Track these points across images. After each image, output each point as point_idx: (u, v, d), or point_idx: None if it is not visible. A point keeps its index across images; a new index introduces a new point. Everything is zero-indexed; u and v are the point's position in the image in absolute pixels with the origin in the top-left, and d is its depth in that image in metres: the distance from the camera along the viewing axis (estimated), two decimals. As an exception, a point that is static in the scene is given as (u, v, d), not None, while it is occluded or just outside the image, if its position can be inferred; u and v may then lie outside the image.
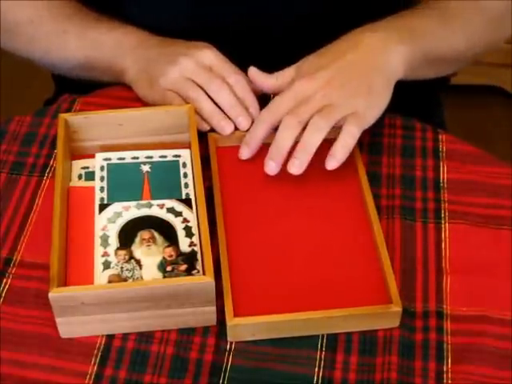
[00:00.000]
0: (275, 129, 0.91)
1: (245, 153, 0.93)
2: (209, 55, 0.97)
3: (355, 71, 0.91)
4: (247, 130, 0.95)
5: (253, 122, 0.96)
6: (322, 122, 0.87)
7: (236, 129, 0.96)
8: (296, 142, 0.88)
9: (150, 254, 0.84)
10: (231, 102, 0.96)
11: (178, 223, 0.87)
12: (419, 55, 0.96)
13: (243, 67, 0.98)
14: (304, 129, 0.88)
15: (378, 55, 0.93)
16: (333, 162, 0.88)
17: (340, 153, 0.88)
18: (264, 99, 1.00)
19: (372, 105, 0.90)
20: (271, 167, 0.90)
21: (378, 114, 0.91)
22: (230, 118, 0.96)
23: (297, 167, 0.88)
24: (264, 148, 0.96)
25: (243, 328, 0.80)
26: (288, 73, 0.94)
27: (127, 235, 0.86)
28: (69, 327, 0.80)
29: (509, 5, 1.04)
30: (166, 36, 1.01)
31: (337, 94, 0.89)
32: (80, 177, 0.92)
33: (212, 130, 0.96)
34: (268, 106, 0.92)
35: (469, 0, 1.02)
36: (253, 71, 0.95)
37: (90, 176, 0.92)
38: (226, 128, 0.95)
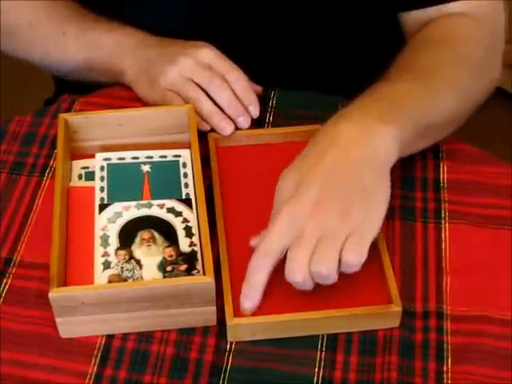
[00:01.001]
0: None
1: (248, 306, 0.80)
2: (208, 54, 0.97)
3: (341, 176, 0.79)
4: (247, 129, 0.95)
5: (252, 123, 0.96)
6: (325, 271, 0.77)
7: (236, 129, 0.96)
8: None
9: (150, 254, 0.84)
10: (231, 102, 0.96)
11: (178, 223, 0.87)
12: (409, 129, 0.84)
13: (243, 67, 0.98)
14: None
15: (361, 146, 0.81)
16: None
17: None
18: (263, 98, 1.00)
19: (373, 213, 0.79)
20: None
21: (381, 216, 0.79)
22: (230, 118, 0.96)
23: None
24: (263, 148, 0.96)
25: (243, 328, 0.80)
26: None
27: (127, 235, 0.86)
28: (69, 327, 0.80)
29: (488, 49, 0.98)
30: (165, 36, 1.01)
31: (332, 216, 0.77)
32: (80, 177, 0.92)
33: (212, 129, 0.96)
34: (260, 247, 0.79)
35: (447, 53, 0.94)
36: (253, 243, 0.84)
37: (90, 176, 0.92)
38: (226, 128, 0.95)
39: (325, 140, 0.82)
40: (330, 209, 0.78)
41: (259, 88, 1.00)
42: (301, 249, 0.77)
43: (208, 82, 0.96)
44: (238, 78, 0.96)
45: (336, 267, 0.77)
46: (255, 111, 0.97)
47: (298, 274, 0.77)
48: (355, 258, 0.77)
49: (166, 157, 0.93)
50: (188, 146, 0.93)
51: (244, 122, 0.96)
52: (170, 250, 0.84)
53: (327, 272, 0.76)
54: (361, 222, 0.77)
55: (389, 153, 0.82)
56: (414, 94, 0.88)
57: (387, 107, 0.85)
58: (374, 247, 0.85)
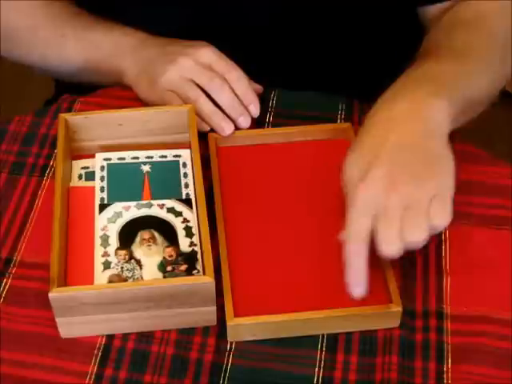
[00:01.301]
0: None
1: (359, 292, 0.80)
2: (208, 54, 0.97)
3: (408, 151, 0.81)
4: (247, 129, 0.96)
5: (253, 123, 0.96)
6: (420, 239, 0.78)
7: (236, 129, 0.96)
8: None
9: (150, 254, 0.84)
10: (232, 102, 0.96)
11: (178, 223, 0.87)
12: (457, 103, 0.87)
13: (243, 67, 0.98)
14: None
15: (418, 121, 0.83)
16: None
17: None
18: (263, 98, 1.00)
19: (446, 174, 0.81)
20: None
21: (454, 179, 0.81)
22: (229, 118, 0.96)
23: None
24: (263, 148, 0.96)
25: (243, 328, 0.80)
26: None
27: (127, 235, 0.86)
28: (69, 327, 0.80)
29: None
30: (167, 36, 1.01)
31: (410, 186, 0.79)
32: (80, 177, 0.92)
33: (212, 130, 0.96)
34: (350, 235, 0.79)
35: (480, 34, 0.96)
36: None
37: (90, 176, 0.92)
38: (225, 129, 0.95)
39: (382, 121, 0.84)
40: (404, 181, 0.79)
41: (260, 87, 1.00)
42: (389, 222, 0.78)
43: (208, 82, 0.96)
44: (238, 77, 0.96)
45: (428, 232, 0.78)
46: (255, 111, 0.97)
47: (392, 247, 0.78)
48: (444, 220, 0.78)
49: (166, 157, 0.93)
50: (188, 145, 0.93)
51: (244, 121, 0.96)
52: (170, 250, 0.84)
53: (422, 239, 0.78)
54: (437, 186, 0.79)
55: (443, 124, 0.84)
56: (453, 73, 0.90)
57: (436, 85, 0.86)
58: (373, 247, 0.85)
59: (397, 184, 0.79)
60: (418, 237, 0.78)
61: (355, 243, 0.79)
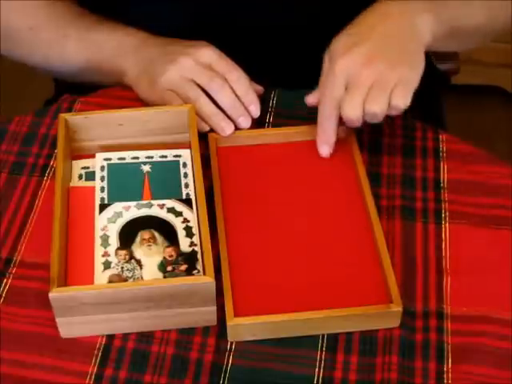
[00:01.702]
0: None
1: (326, 151, 0.94)
2: (209, 54, 0.97)
3: (390, 41, 0.92)
4: (247, 129, 0.96)
5: (253, 123, 0.96)
6: (378, 111, 0.89)
7: (236, 129, 0.96)
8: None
9: (150, 254, 0.84)
10: (232, 102, 0.96)
11: (178, 223, 0.86)
12: (443, 24, 0.96)
13: (244, 66, 0.98)
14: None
15: (406, 23, 0.94)
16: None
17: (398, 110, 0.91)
18: (263, 99, 1.00)
19: (415, 71, 0.91)
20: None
21: (419, 79, 0.91)
22: (229, 118, 0.96)
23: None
24: (263, 148, 0.96)
25: (243, 328, 0.80)
26: (325, 67, 0.94)
27: (127, 235, 0.86)
28: (69, 327, 0.80)
29: None
30: (169, 35, 1.01)
31: (382, 67, 0.90)
32: (80, 177, 0.92)
33: (212, 130, 0.96)
34: (323, 100, 0.91)
35: None
36: (309, 100, 0.96)
37: (91, 176, 0.92)
38: (225, 129, 0.95)
39: (375, 16, 0.95)
40: (380, 61, 0.90)
41: (260, 88, 1.00)
42: (357, 91, 0.89)
43: (208, 82, 0.96)
44: (238, 77, 0.96)
45: (386, 108, 0.89)
46: (256, 111, 0.97)
47: (354, 112, 0.89)
48: (403, 102, 0.89)
49: (166, 157, 0.93)
50: (188, 145, 0.93)
51: (244, 122, 0.96)
52: (170, 250, 0.84)
53: (380, 111, 0.89)
54: (406, 74, 0.90)
55: (425, 35, 0.95)
56: (452, 1, 0.99)
57: (430, 4, 0.96)
58: (373, 247, 0.85)
59: (372, 62, 0.90)
60: (376, 109, 0.88)
61: (329, 107, 0.91)
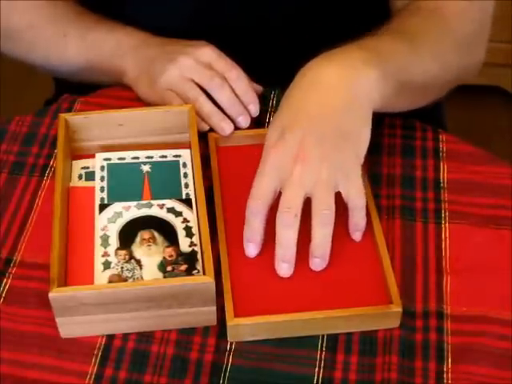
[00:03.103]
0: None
1: (252, 251, 0.85)
2: (208, 53, 0.97)
3: (324, 123, 0.83)
4: (247, 128, 0.96)
5: (252, 122, 0.96)
6: (324, 215, 0.81)
7: (236, 128, 0.96)
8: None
9: (150, 254, 0.84)
10: (231, 101, 0.96)
11: (178, 223, 0.87)
12: (391, 80, 0.87)
13: (244, 66, 0.98)
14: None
15: (343, 89, 0.84)
16: (358, 235, 0.86)
17: (360, 225, 0.85)
18: (263, 98, 1.00)
19: (355, 152, 0.83)
20: (285, 269, 0.83)
21: (362, 157, 0.84)
22: (229, 117, 0.96)
23: (320, 264, 0.83)
24: (262, 149, 0.96)
25: (243, 328, 0.80)
26: None
27: (127, 235, 0.86)
28: (69, 327, 0.80)
29: (476, 29, 1.00)
30: (167, 35, 1.01)
31: (316, 161, 0.81)
32: (80, 177, 0.92)
33: (211, 129, 0.96)
34: (252, 195, 0.83)
35: (435, 22, 0.96)
36: None
37: (90, 176, 0.92)
38: (225, 128, 0.95)
39: (306, 83, 0.85)
40: (313, 151, 0.81)
41: (259, 87, 1.00)
42: (293, 189, 0.81)
43: (208, 82, 0.96)
44: (238, 76, 0.96)
45: (333, 207, 0.81)
46: (255, 110, 0.97)
47: (288, 216, 0.81)
48: (359, 197, 0.83)
49: (166, 157, 0.93)
50: (188, 145, 0.93)
51: (244, 121, 0.96)
52: (170, 250, 0.84)
53: (328, 213, 0.81)
54: (347, 162, 0.82)
55: (371, 96, 0.85)
56: (398, 50, 0.91)
57: (371, 55, 0.87)
58: (373, 247, 0.85)
59: (304, 153, 0.81)
60: (321, 230, 0.81)
61: (256, 202, 0.83)
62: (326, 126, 0.83)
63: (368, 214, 0.87)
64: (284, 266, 0.83)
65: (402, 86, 0.89)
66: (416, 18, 0.97)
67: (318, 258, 0.83)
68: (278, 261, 0.83)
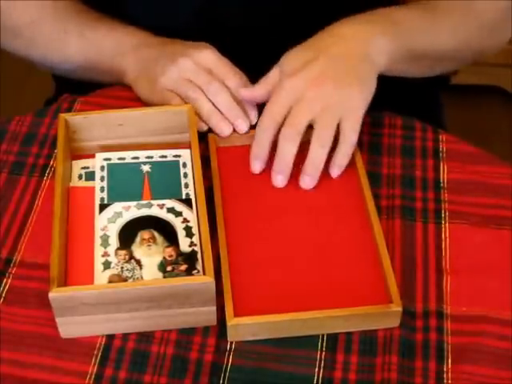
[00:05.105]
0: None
1: (257, 166, 0.92)
2: (208, 56, 0.97)
3: (342, 63, 0.91)
4: (245, 133, 0.95)
5: (250, 125, 0.96)
6: (324, 136, 0.88)
7: (235, 131, 0.96)
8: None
9: (150, 254, 0.84)
10: (229, 105, 0.95)
11: (178, 223, 0.87)
12: (402, 48, 0.95)
13: (244, 65, 0.98)
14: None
15: (361, 46, 0.93)
16: (336, 170, 0.91)
17: (342, 160, 0.91)
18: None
19: (364, 95, 0.91)
20: (279, 180, 0.91)
21: (368, 103, 0.91)
22: (228, 120, 0.96)
23: (309, 183, 0.90)
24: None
25: (243, 328, 0.80)
26: (273, 74, 0.93)
27: (127, 235, 0.86)
28: (69, 327, 0.80)
29: (503, 12, 1.02)
30: (169, 35, 1.01)
31: (329, 90, 0.89)
32: (80, 177, 0.92)
33: (210, 130, 0.96)
34: (264, 113, 0.90)
35: (461, 5, 1.00)
36: (243, 92, 0.95)
37: (90, 176, 0.92)
38: (224, 129, 0.95)
39: (331, 36, 0.94)
40: (329, 82, 0.89)
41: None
42: (301, 110, 0.88)
43: (207, 84, 0.96)
44: (238, 83, 0.96)
45: (331, 141, 0.88)
46: (254, 116, 0.97)
47: (291, 131, 0.88)
48: (354, 133, 0.89)
49: (166, 157, 0.93)
50: (188, 145, 0.93)
51: (242, 124, 0.95)
52: (170, 250, 0.84)
53: (327, 137, 0.88)
54: (357, 100, 0.90)
55: (379, 60, 0.93)
56: (417, 21, 0.98)
57: (389, 27, 0.95)
58: (373, 247, 0.85)
59: (320, 84, 0.89)
60: (317, 149, 0.88)
61: (267, 119, 0.90)
62: (343, 65, 0.91)
63: (368, 214, 0.88)
64: (279, 178, 0.90)
65: (412, 56, 0.97)
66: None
67: (309, 176, 0.90)
68: (274, 172, 0.90)
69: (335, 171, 0.91)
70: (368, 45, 0.93)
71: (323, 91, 0.89)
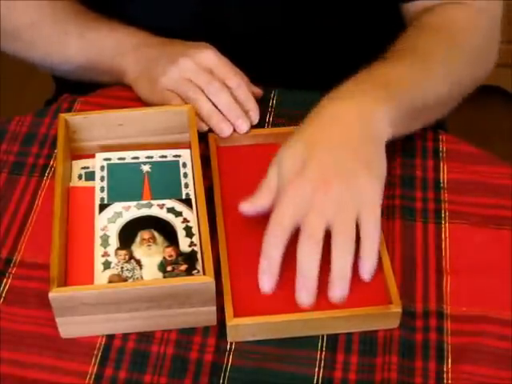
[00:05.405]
0: None
1: (268, 284, 0.82)
2: (209, 56, 0.97)
3: (345, 151, 0.83)
4: (246, 133, 0.95)
5: (251, 125, 0.96)
6: (346, 241, 0.80)
7: (235, 131, 0.96)
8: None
9: (150, 254, 0.84)
10: (230, 105, 0.95)
11: (178, 223, 0.87)
12: (403, 110, 0.88)
13: (244, 66, 0.98)
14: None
15: (362, 124, 0.85)
16: (367, 276, 0.82)
17: (370, 261, 0.82)
18: (263, 99, 1.00)
19: (373, 177, 0.83)
20: (307, 299, 0.81)
21: (381, 182, 0.84)
22: (228, 120, 0.96)
23: (340, 296, 0.81)
24: (263, 148, 0.96)
25: (243, 328, 0.80)
26: (272, 177, 0.84)
27: (127, 235, 0.86)
28: (69, 327, 0.80)
29: (485, 39, 1.01)
30: (168, 37, 1.01)
31: (336, 189, 0.81)
32: (80, 177, 0.92)
33: (210, 130, 0.96)
34: (271, 224, 0.81)
35: (444, 39, 0.96)
36: (244, 207, 0.85)
37: (90, 176, 0.92)
38: (224, 129, 0.95)
39: (327, 116, 0.86)
40: (333, 182, 0.81)
41: (259, 91, 1.00)
42: (314, 217, 0.80)
43: (207, 84, 0.96)
44: (238, 84, 0.96)
45: (353, 236, 0.80)
46: (255, 117, 0.97)
47: (310, 243, 0.79)
48: (375, 228, 0.81)
49: (166, 157, 0.93)
50: (188, 145, 0.93)
51: (243, 124, 0.95)
52: (170, 250, 0.84)
53: (349, 241, 0.80)
54: (366, 189, 0.81)
55: (384, 132, 0.86)
56: (410, 76, 0.91)
57: (383, 88, 0.88)
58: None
59: (327, 185, 0.81)
60: (341, 258, 0.80)
61: (275, 233, 0.80)
62: (346, 155, 0.83)
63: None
64: (304, 295, 0.80)
65: (415, 112, 0.91)
66: (426, 36, 0.97)
67: (339, 288, 0.81)
68: (298, 290, 0.80)
69: (366, 277, 0.82)
70: (369, 124, 0.85)
71: (330, 193, 0.80)
